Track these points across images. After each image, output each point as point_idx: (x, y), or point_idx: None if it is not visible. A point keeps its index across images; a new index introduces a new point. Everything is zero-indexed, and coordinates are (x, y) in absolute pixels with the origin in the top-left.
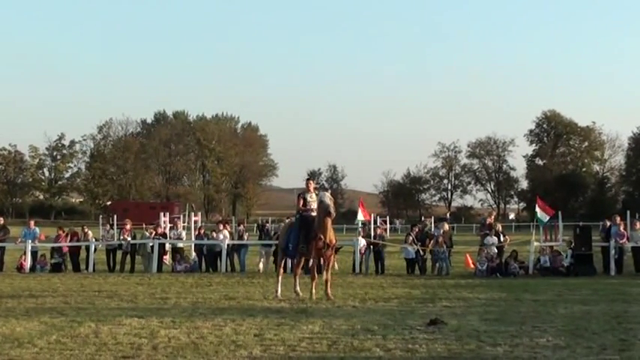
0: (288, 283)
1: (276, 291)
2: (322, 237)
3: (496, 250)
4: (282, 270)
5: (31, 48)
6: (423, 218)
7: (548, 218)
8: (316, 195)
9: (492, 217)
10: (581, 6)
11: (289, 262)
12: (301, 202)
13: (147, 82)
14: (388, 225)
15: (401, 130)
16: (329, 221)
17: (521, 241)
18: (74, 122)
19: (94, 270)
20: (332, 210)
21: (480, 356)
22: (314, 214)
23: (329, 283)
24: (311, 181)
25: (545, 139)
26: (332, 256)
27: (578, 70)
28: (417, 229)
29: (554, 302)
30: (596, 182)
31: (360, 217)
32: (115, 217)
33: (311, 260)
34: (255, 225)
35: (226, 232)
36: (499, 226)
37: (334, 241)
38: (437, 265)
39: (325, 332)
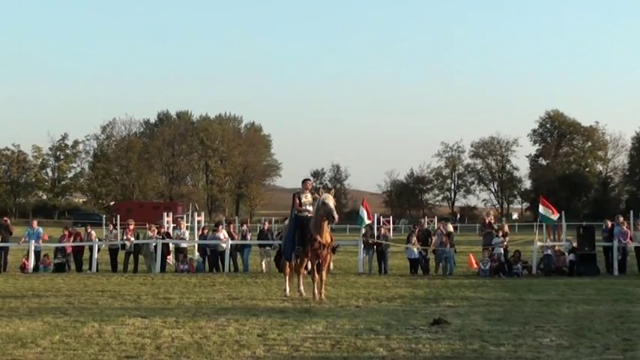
0: (292, 283)
1: (285, 289)
2: (318, 238)
3: (502, 250)
4: (288, 269)
5: (34, 48)
6: (426, 218)
7: (556, 217)
8: (311, 195)
9: (491, 215)
10: (585, 6)
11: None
12: (297, 202)
13: (150, 82)
14: (392, 225)
15: (404, 130)
16: (325, 222)
17: (525, 240)
18: (77, 122)
19: (97, 270)
20: (335, 214)
21: (484, 356)
22: (309, 214)
23: (323, 283)
24: (308, 182)
25: (548, 138)
26: (328, 256)
27: (581, 70)
28: (418, 229)
29: (557, 302)
30: (599, 182)
31: (364, 217)
32: (119, 217)
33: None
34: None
35: (225, 233)
36: (506, 227)
37: (330, 241)
38: (440, 264)
39: (329, 332)
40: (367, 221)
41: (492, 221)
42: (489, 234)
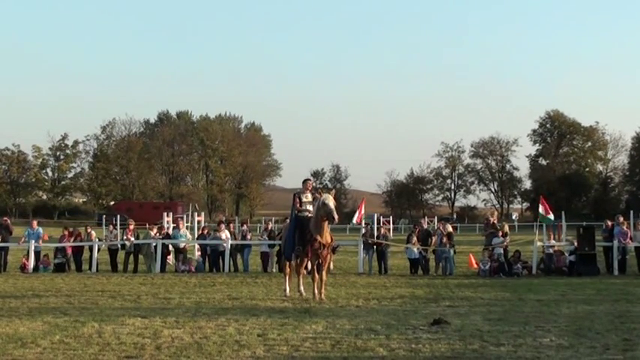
0: (292, 283)
1: (285, 289)
2: (318, 237)
3: (502, 251)
4: (288, 269)
5: (35, 48)
6: (426, 218)
7: (552, 217)
8: (312, 195)
9: (495, 216)
10: (585, 5)
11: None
12: (297, 202)
13: (150, 82)
14: (392, 225)
15: (404, 129)
16: (326, 222)
17: (525, 241)
18: (77, 122)
19: (97, 270)
20: (335, 215)
21: (484, 356)
22: (309, 214)
23: (323, 283)
24: (308, 182)
25: (548, 138)
26: (328, 256)
27: (581, 70)
28: (418, 229)
29: (557, 302)
30: (599, 182)
31: (355, 217)
32: (119, 217)
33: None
34: (263, 228)
35: (227, 232)
36: (506, 227)
37: (330, 241)
38: (440, 264)
39: (328, 332)
40: (354, 221)
41: (496, 221)
42: (492, 234)
